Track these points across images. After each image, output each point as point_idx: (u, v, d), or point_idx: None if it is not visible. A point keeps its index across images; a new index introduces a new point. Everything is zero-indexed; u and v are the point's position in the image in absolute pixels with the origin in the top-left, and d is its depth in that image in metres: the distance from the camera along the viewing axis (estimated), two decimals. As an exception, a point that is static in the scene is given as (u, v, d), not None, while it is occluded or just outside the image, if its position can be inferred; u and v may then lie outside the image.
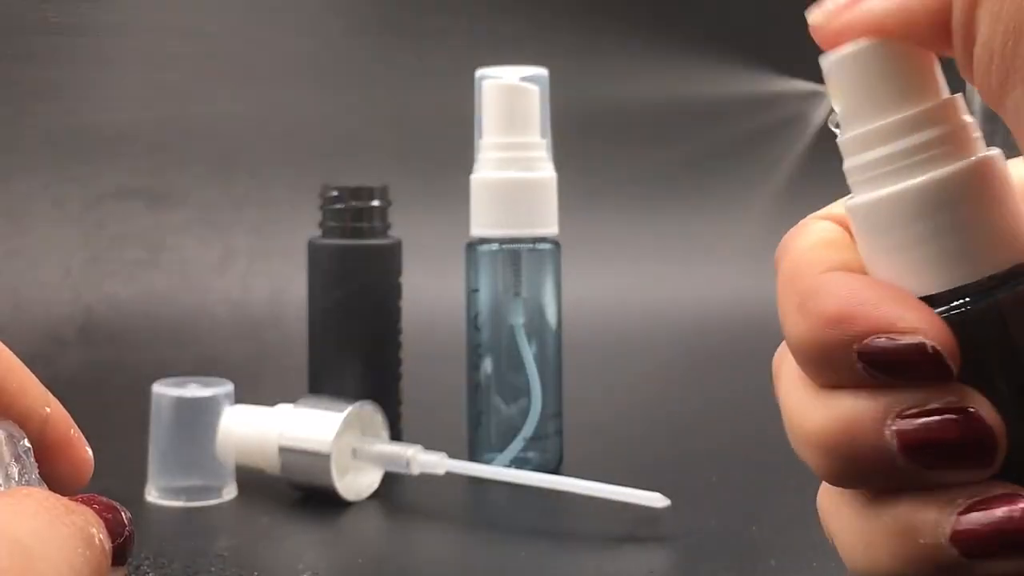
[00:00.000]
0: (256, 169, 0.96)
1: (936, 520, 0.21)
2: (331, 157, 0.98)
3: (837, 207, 0.25)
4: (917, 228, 0.22)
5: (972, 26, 0.21)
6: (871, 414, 0.21)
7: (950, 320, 0.21)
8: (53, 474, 0.26)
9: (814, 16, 0.23)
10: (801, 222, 0.26)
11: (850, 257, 0.23)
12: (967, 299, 0.21)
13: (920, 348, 0.21)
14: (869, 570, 0.22)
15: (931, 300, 0.22)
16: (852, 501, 0.23)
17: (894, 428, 0.21)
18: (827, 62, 0.23)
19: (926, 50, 0.22)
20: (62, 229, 0.89)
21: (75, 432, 0.28)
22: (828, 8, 0.23)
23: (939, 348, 0.21)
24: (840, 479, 0.23)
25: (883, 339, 0.21)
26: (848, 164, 0.23)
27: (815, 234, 0.24)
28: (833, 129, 0.23)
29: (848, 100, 0.23)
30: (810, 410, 0.23)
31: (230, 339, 0.86)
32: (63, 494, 0.23)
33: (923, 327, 0.21)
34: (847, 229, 0.24)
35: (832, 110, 0.23)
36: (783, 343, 0.25)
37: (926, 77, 0.22)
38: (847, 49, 0.22)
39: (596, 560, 0.42)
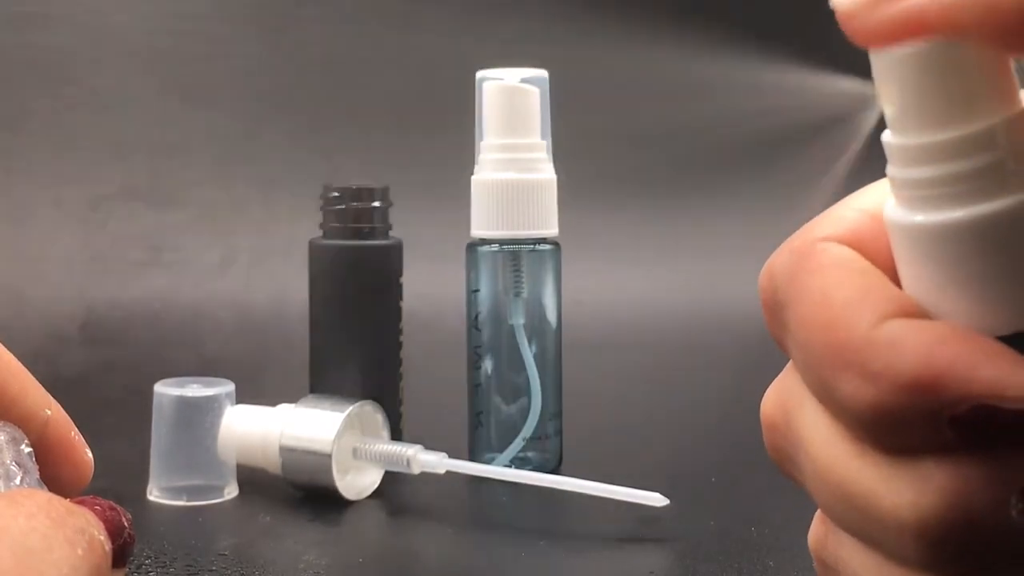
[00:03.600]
0: (257, 169, 0.96)
1: None
2: (332, 157, 0.98)
3: (837, 223, 0.21)
4: (998, 259, 0.18)
5: None
6: (987, 491, 0.18)
7: None
8: (54, 476, 0.26)
9: (844, 2, 0.18)
10: (800, 248, 0.21)
11: (896, 294, 0.19)
12: None
13: None
14: None
15: (1012, 341, 0.18)
16: None
17: (1022, 506, 0.18)
18: (887, 59, 0.19)
19: (1000, 51, 0.18)
20: (64, 229, 0.89)
21: (75, 434, 0.28)
22: None
23: None
24: (945, 566, 0.19)
25: (984, 408, 0.17)
26: (899, 173, 0.19)
27: (838, 266, 0.20)
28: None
29: (905, 103, 0.19)
30: (887, 484, 0.19)
31: (231, 339, 0.86)
32: (64, 496, 0.23)
33: None
34: (859, 249, 0.20)
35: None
36: (777, 389, 0.22)
37: (1008, 81, 0.19)
38: (916, 48, 0.18)
39: (596, 560, 0.42)
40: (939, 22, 0.17)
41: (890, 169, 0.20)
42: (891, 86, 0.19)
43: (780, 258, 0.21)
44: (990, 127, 0.18)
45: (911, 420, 0.18)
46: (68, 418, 0.28)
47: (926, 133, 0.19)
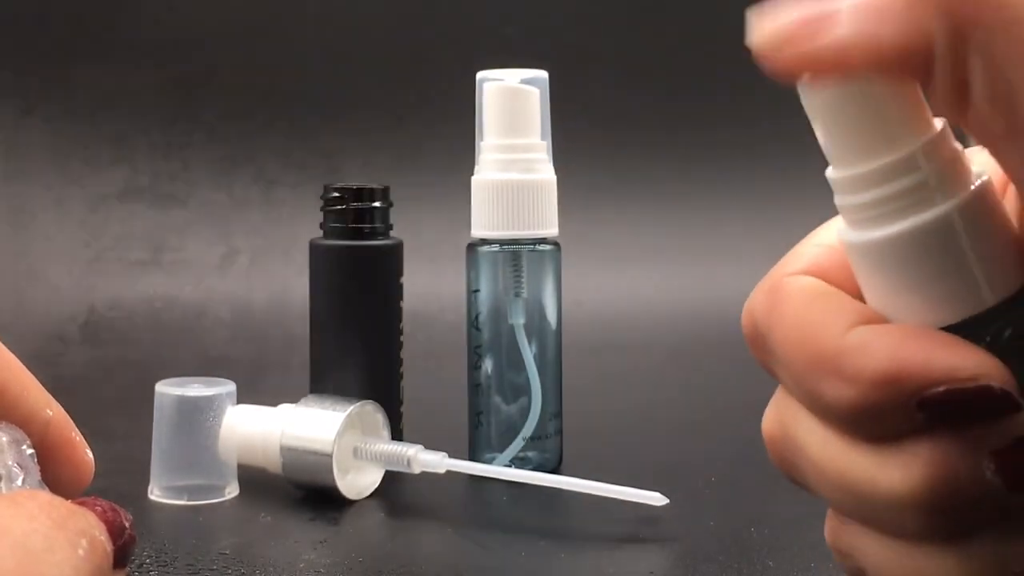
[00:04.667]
0: (258, 169, 0.96)
1: None
2: (332, 158, 0.98)
3: (800, 259, 0.24)
4: (934, 262, 0.21)
5: (962, 71, 0.19)
6: (963, 459, 0.21)
7: (992, 350, 0.21)
8: (54, 477, 0.27)
9: (759, 39, 0.21)
10: (770, 286, 0.24)
11: (857, 307, 0.22)
12: (997, 324, 0.21)
13: (988, 391, 0.20)
14: None
15: (957, 329, 0.21)
16: (923, 546, 0.22)
17: (993, 467, 0.21)
18: (807, 97, 0.22)
19: (909, 81, 0.21)
20: (65, 229, 0.89)
21: (76, 435, 0.28)
22: (776, 32, 0.21)
23: (1005, 387, 0.20)
24: (940, 531, 0.21)
25: (944, 389, 0.20)
26: (843, 201, 0.22)
27: (804, 292, 0.23)
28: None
29: (836, 140, 0.22)
30: (879, 470, 0.22)
31: (232, 339, 0.86)
32: (64, 496, 0.23)
33: (984, 370, 0.20)
34: (822, 277, 0.23)
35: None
36: (773, 409, 0.25)
37: (917, 110, 0.21)
38: (829, 90, 0.21)
39: (596, 560, 0.42)
40: (836, 64, 0.20)
41: (836, 199, 0.23)
42: (818, 123, 0.22)
43: (756, 297, 0.25)
44: (911, 152, 0.21)
45: (887, 410, 0.21)
46: (69, 419, 0.28)
47: (856, 164, 0.22)
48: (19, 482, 0.25)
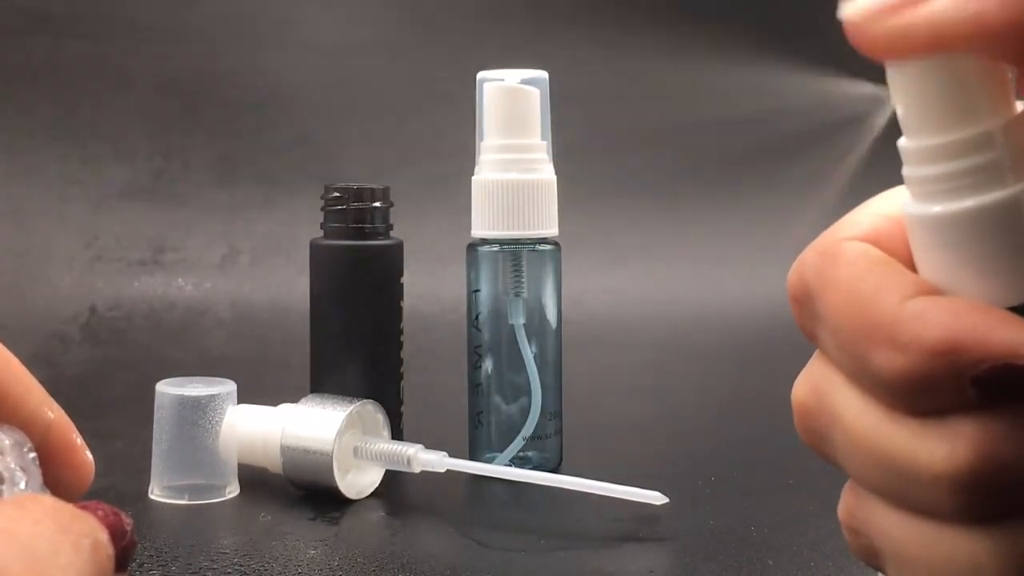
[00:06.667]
0: (258, 169, 0.96)
1: None
2: (333, 158, 0.98)
3: (857, 225, 0.24)
4: (999, 241, 0.21)
5: None
6: (1010, 439, 0.20)
7: None
8: (55, 479, 0.27)
9: (852, 12, 0.21)
10: (826, 248, 0.24)
11: (915, 278, 0.22)
12: None
13: None
14: None
15: (1017, 311, 0.21)
16: (950, 530, 0.22)
17: None
18: (892, 67, 0.22)
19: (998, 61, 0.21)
20: (65, 229, 0.89)
21: (77, 438, 0.28)
22: (872, 4, 0.21)
23: None
24: (977, 512, 0.21)
25: (1002, 364, 0.20)
26: (913, 172, 0.22)
27: (862, 258, 0.23)
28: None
29: (915, 110, 0.22)
30: (920, 444, 0.21)
31: (233, 339, 0.86)
32: (65, 499, 0.24)
33: None
34: (879, 247, 0.23)
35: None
36: (807, 376, 0.24)
37: (1001, 90, 0.21)
38: (920, 64, 0.21)
39: (596, 560, 0.42)
40: (931, 37, 0.20)
41: (905, 169, 0.22)
42: (901, 94, 0.22)
43: (808, 257, 0.24)
44: (989, 131, 0.21)
45: (939, 383, 0.21)
46: (69, 421, 0.28)
47: (933, 136, 0.22)
48: (22, 485, 0.25)
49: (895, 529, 0.23)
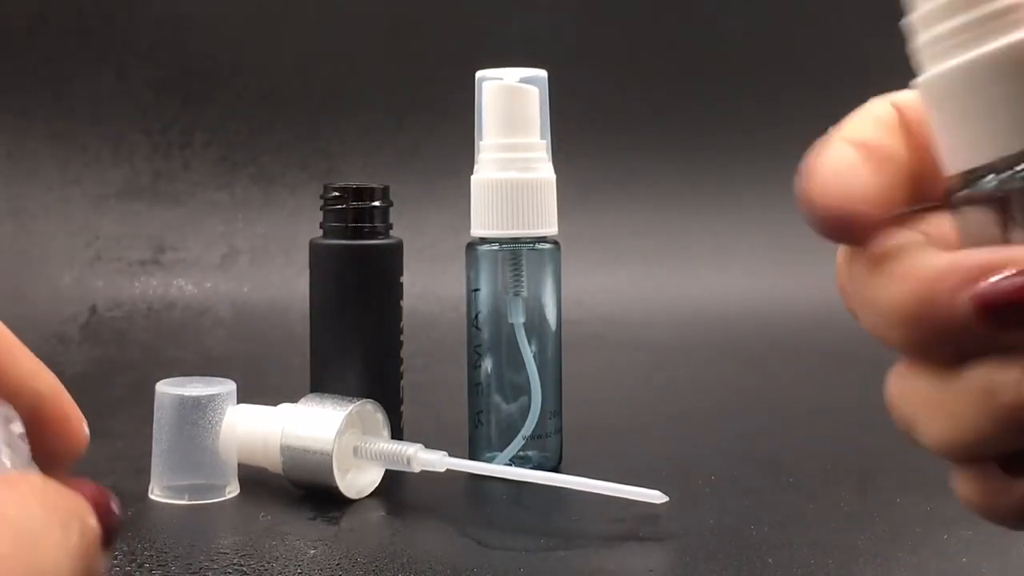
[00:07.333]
0: (258, 169, 0.96)
1: (1017, 379, 0.22)
2: (332, 157, 0.98)
3: (864, 126, 0.26)
4: (999, 90, 0.23)
5: None
6: (946, 282, 0.22)
7: None
8: (46, 449, 0.26)
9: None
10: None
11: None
12: None
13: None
14: (953, 439, 0.23)
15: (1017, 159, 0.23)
16: (931, 376, 0.23)
17: (968, 294, 0.22)
18: None
19: None
20: (65, 229, 0.89)
21: (71, 408, 0.28)
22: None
23: None
24: (919, 347, 0.23)
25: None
26: (928, 34, 0.24)
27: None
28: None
29: None
30: (882, 287, 0.24)
31: (232, 339, 0.86)
32: (56, 469, 0.23)
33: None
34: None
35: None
36: (842, 253, 0.26)
37: None
38: None
39: (596, 558, 0.42)
40: None
41: (918, 39, 0.24)
42: None
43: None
44: None
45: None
46: (62, 390, 0.27)
47: None
48: (6, 462, 0.24)
49: (897, 385, 0.25)
